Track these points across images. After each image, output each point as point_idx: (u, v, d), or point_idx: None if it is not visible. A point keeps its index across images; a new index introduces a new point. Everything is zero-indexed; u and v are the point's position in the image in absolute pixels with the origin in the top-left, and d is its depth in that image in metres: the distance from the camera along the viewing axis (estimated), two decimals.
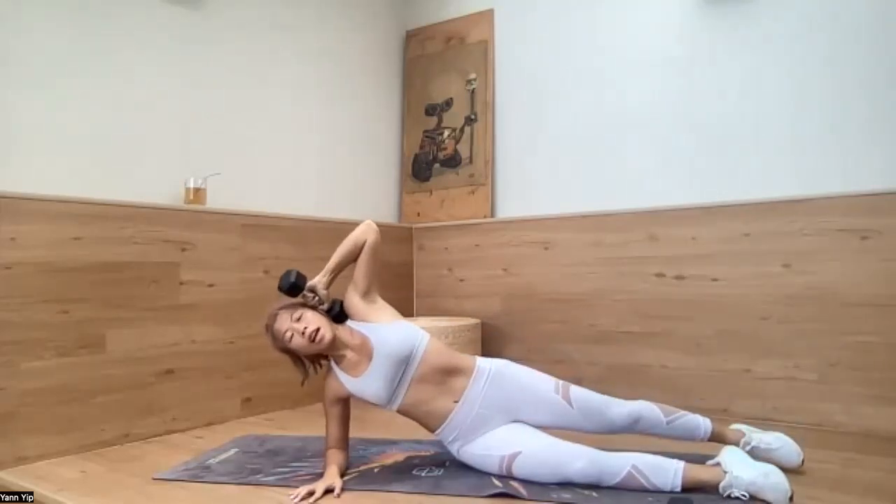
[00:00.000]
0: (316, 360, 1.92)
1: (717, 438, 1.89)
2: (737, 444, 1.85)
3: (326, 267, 1.95)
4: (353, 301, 1.94)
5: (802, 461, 1.84)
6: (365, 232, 1.97)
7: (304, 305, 1.88)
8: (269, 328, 1.86)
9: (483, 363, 1.92)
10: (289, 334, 1.81)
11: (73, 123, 2.38)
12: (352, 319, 1.94)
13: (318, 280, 1.93)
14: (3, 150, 2.20)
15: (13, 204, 2.08)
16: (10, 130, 2.22)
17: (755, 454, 1.81)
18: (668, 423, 1.86)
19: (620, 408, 1.86)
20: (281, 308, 1.87)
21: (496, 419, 1.84)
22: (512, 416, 1.86)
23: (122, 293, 2.32)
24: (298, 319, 1.82)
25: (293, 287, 1.87)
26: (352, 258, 1.96)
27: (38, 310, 2.11)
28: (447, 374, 1.87)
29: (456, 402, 1.85)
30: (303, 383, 1.91)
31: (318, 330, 1.80)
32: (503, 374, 1.90)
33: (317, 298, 1.91)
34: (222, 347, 2.63)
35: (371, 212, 3.55)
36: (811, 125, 2.57)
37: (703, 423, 1.89)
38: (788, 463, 1.82)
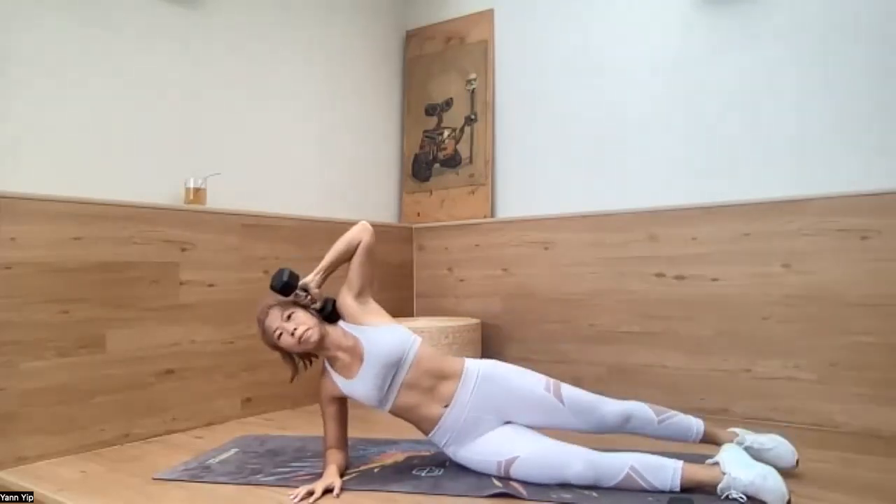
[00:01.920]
0: (306, 357, 1.92)
1: (710, 439, 1.88)
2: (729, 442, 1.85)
3: (319, 266, 1.95)
4: (347, 302, 1.94)
5: (797, 462, 1.83)
6: (360, 232, 1.97)
7: (297, 304, 1.88)
8: (261, 323, 1.87)
9: (472, 365, 1.91)
10: (278, 332, 1.82)
11: (73, 123, 2.38)
12: (344, 320, 1.94)
13: (310, 279, 1.92)
14: (3, 150, 2.20)
15: (13, 204, 2.08)
16: (10, 130, 2.22)
17: (749, 454, 1.79)
18: (659, 422, 1.85)
19: (612, 406, 1.84)
20: (273, 305, 1.87)
21: (488, 421, 1.84)
22: (503, 417, 1.85)
23: (122, 293, 2.32)
24: (289, 318, 1.82)
25: (286, 286, 1.87)
26: (345, 258, 1.96)
27: (38, 310, 2.11)
28: (437, 379, 1.86)
29: (446, 406, 1.84)
30: (292, 380, 1.91)
31: (306, 330, 1.80)
32: (492, 376, 1.88)
33: (308, 297, 1.91)
34: (222, 347, 2.63)
35: (371, 212, 3.55)
36: (811, 125, 2.57)
37: (696, 424, 1.88)
38: (783, 463, 1.80)
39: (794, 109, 2.61)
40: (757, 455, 1.80)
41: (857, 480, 1.81)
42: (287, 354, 1.89)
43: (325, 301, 1.94)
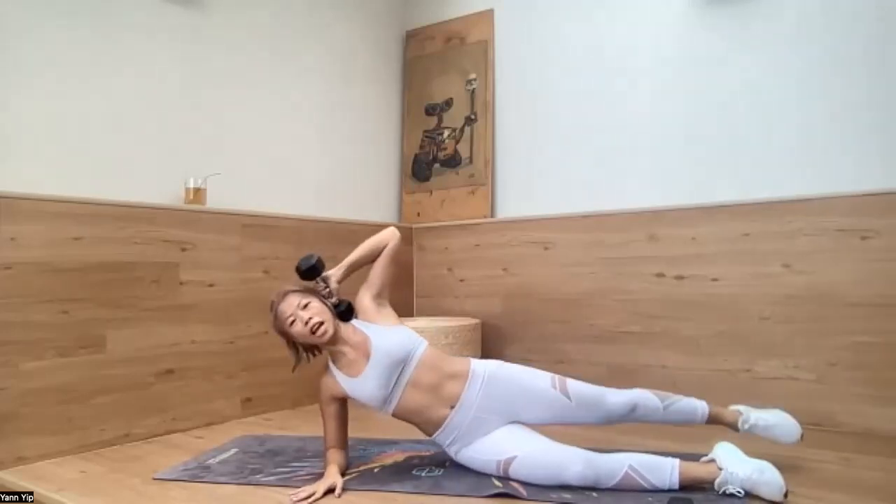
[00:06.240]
0: (311, 348, 1.92)
1: (715, 419, 1.90)
2: (735, 423, 1.88)
3: (343, 262, 1.97)
4: (364, 301, 1.96)
5: (802, 436, 1.87)
6: (387, 237, 2.01)
7: (315, 294, 1.88)
8: (274, 307, 1.86)
9: (478, 366, 1.91)
10: (291, 319, 1.81)
11: (73, 123, 2.38)
12: (357, 318, 1.94)
13: (332, 272, 1.93)
14: (3, 150, 2.20)
15: (13, 204, 2.08)
16: (10, 130, 2.22)
17: (754, 432, 1.86)
18: (665, 408, 1.86)
19: (617, 397, 1.86)
20: (292, 290, 1.87)
21: (494, 421, 1.84)
22: (510, 417, 1.85)
23: (122, 293, 2.32)
24: (305, 307, 1.82)
25: (312, 270, 1.87)
26: (369, 259, 1.99)
27: (38, 310, 2.11)
28: (442, 380, 1.86)
29: (452, 407, 1.84)
30: (293, 369, 1.91)
31: (321, 323, 1.80)
32: (498, 377, 1.89)
33: (327, 290, 1.91)
34: (222, 347, 2.63)
35: (371, 212, 3.56)
36: (811, 125, 2.57)
37: (700, 406, 1.90)
38: (787, 438, 1.85)
39: (794, 110, 2.61)
40: (762, 433, 1.86)
41: (857, 480, 1.81)
42: (292, 343, 1.88)
43: (341, 300, 1.93)
